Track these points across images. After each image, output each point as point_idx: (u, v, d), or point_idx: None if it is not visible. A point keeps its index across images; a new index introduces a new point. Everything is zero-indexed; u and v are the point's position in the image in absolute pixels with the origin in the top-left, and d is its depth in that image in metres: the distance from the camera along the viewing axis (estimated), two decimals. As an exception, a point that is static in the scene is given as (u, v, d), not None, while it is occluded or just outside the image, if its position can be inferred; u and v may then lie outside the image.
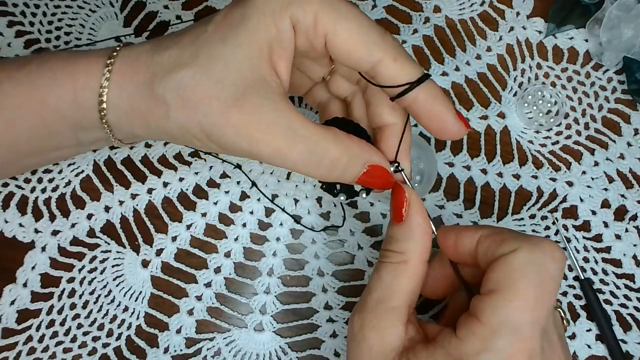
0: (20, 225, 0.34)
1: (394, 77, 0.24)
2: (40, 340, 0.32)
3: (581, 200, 0.38)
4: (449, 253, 0.27)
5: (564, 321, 0.26)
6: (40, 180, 0.35)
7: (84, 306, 0.33)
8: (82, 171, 0.35)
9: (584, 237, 0.37)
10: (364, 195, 0.28)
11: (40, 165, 0.33)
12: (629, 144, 0.39)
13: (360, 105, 0.29)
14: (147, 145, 0.36)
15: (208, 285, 0.34)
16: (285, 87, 0.25)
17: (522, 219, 0.37)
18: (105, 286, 0.34)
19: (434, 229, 0.27)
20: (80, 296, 0.33)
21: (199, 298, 0.34)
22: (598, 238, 0.37)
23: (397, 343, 0.24)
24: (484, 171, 0.38)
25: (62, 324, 0.33)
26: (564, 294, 0.36)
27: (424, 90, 0.24)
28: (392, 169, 0.27)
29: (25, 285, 0.33)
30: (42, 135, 0.27)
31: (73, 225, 0.35)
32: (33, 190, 0.35)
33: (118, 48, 0.26)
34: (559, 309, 0.25)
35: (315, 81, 0.30)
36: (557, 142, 0.39)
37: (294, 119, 0.24)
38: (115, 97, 0.25)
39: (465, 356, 0.21)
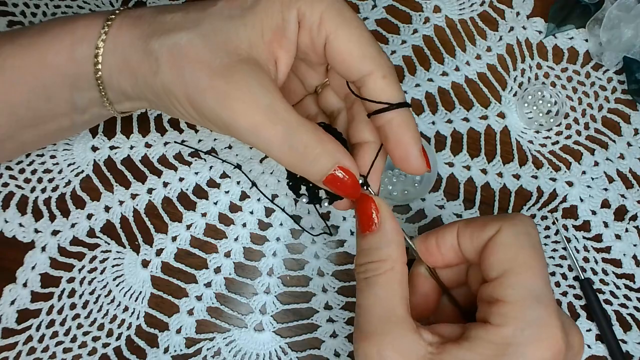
0: (20, 225, 0.34)
1: (378, 93, 0.25)
2: (40, 340, 0.32)
3: (581, 200, 0.38)
4: (434, 258, 0.26)
5: None
6: (40, 180, 0.35)
7: (84, 306, 0.33)
8: (82, 171, 0.35)
9: (584, 237, 0.37)
10: (326, 204, 0.27)
11: (38, 143, 0.32)
12: (629, 144, 0.39)
13: (343, 122, 0.29)
14: (147, 145, 0.36)
15: (208, 285, 0.34)
16: (280, 77, 0.25)
17: (522, 219, 0.37)
18: (105, 286, 0.34)
19: (410, 242, 0.26)
20: (80, 296, 0.33)
21: (199, 298, 0.34)
22: (598, 238, 0.37)
23: (421, 352, 0.23)
24: (484, 171, 0.38)
25: (62, 324, 0.33)
26: (564, 294, 0.36)
27: (400, 116, 0.25)
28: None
29: (25, 285, 0.33)
30: (40, 99, 0.27)
31: (73, 225, 0.35)
32: (33, 190, 0.35)
33: (122, 8, 0.26)
34: None
35: (308, 91, 0.30)
36: (557, 142, 0.39)
37: (278, 101, 0.23)
38: (110, 50, 0.25)
39: (509, 338, 0.22)
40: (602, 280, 0.36)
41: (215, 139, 0.37)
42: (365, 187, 0.26)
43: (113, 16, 0.26)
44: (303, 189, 0.27)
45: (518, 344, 0.22)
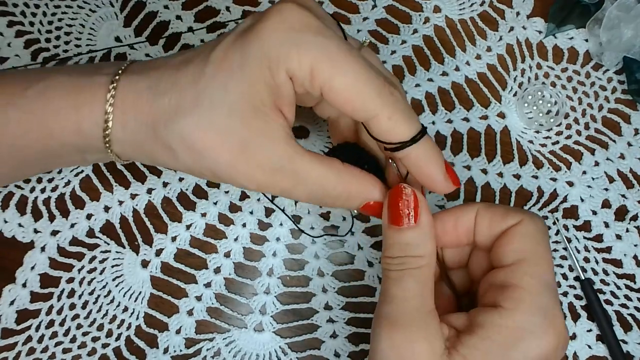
0: (20, 225, 0.34)
1: (387, 134, 0.24)
2: (40, 340, 0.32)
3: (582, 200, 0.38)
4: (448, 237, 0.27)
5: None
6: (39, 180, 0.35)
7: (84, 306, 0.33)
8: (82, 171, 0.35)
9: (584, 237, 0.37)
10: (355, 211, 0.28)
11: (41, 173, 0.34)
12: (629, 144, 0.39)
13: (348, 123, 0.30)
14: (147, 145, 0.36)
15: (208, 285, 0.34)
16: (290, 124, 0.25)
17: (523, 219, 0.37)
18: (104, 286, 0.34)
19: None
20: (80, 296, 0.33)
21: (198, 298, 0.34)
22: (599, 238, 0.37)
23: (442, 345, 0.23)
24: (484, 171, 0.38)
25: (61, 324, 0.33)
26: (565, 294, 0.36)
27: (417, 150, 0.25)
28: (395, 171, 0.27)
29: (24, 285, 0.33)
30: (48, 157, 0.27)
31: (72, 226, 0.34)
32: (32, 190, 0.35)
33: (117, 78, 0.25)
34: None
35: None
36: (558, 142, 0.39)
37: (298, 163, 0.24)
38: (119, 133, 0.25)
39: (522, 322, 0.23)
40: (602, 281, 0.36)
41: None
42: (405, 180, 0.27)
43: (112, 93, 0.25)
44: None
45: (530, 329, 0.22)
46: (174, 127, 0.24)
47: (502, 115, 0.39)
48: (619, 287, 0.36)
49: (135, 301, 0.34)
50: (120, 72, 0.26)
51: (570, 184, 0.38)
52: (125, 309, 0.33)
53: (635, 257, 0.37)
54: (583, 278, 0.35)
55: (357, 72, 0.23)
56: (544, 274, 0.23)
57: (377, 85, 0.24)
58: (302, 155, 0.25)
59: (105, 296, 0.33)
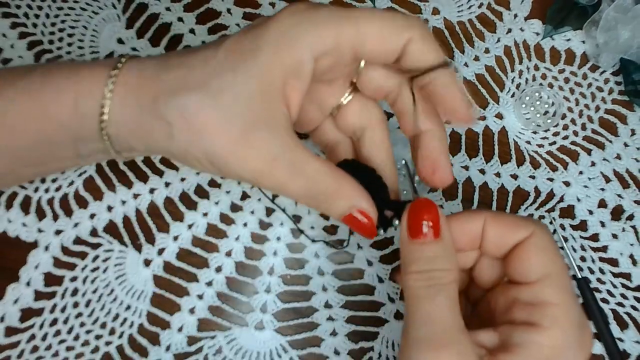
0: (24, 224, 0.34)
1: (421, 56, 0.24)
2: (43, 338, 0.33)
3: (578, 200, 0.38)
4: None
5: None
6: (43, 181, 0.35)
7: (87, 305, 0.33)
8: (85, 171, 0.36)
9: (581, 237, 0.37)
10: (381, 232, 0.27)
11: (38, 175, 0.33)
12: (626, 145, 0.40)
13: (370, 141, 0.29)
14: (149, 146, 0.37)
15: (209, 284, 0.35)
16: (293, 118, 0.25)
17: (520, 218, 0.37)
18: (107, 285, 0.34)
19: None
20: (83, 295, 0.34)
21: (200, 297, 0.34)
22: (595, 237, 0.38)
23: None
24: (482, 171, 0.38)
25: (65, 322, 0.33)
26: (562, 292, 0.36)
27: (444, 76, 0.25)
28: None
29: (28, 284, 0.34)
30: (43, 144, 0.26)
31: (76, 225, 0.35)
32: (36, 190, 0.35)
33: (123, 60, 0.25)
34: None
35: (324, 114, 0.29)
36: (555, 142, 0.39)
37: (297, 154, 0.24)
38: (117, 111, 0.24)
39: (559, 340, 0.22)
40: (599, 280, 0.37)
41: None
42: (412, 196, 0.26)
43: (115, 72, 0.25)
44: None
45: (569, 346, 0.22)
46: (176, 101, 0.23)
47: (500, 116, 0.40)
48: (615, 286, 0.36)
49: (137, 299, 0.34)
50: (125, 59, 0.25)
51: (567, 184, 0.38)
52: (128, 308, 0.34)
53: (631, 256, 0.37)
54: (579, 277, 0.36)
55: (379, 14, 0.24)
56: (569, 287, 0.23)
57: (401, 16, 0.24)
58: (301, 148, 0.24)
59: (108, 295, 0.34)
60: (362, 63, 0.26)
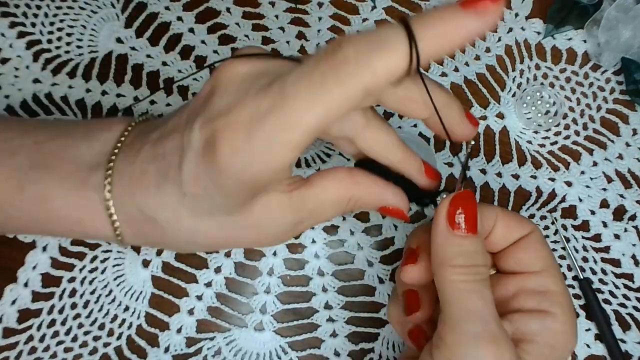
0: (22, 225, 0.34)
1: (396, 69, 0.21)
2: (41, 339, 0.33)
3: (580, 200, 0.38)
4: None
5: None
6: (41, 181, 0.35)
7: (85, 306, 0.33)
8: (83, 171, 0.36)
9: (583, 237, 0.37)
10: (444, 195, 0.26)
11: None
12: (628, 144, 0.39)
13: (363, 140, 0.26)
14: (148, 146, 0.36)
15: (208, 285, 0.34)
16: (290, 172, 0.23)
17: (521, 218, 0.37)
18: (106, 286, 0.34)
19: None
20: (81, 296, 0.33)
21: (199, 298, 0.34)
22: (597, 238, 0.37)
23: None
24: (483, 171, 0.38)
25: (63, 323, 0.33)
26: (563, 293, 0.36)
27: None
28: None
29: (26, 285, 0.33)
30: (51, 233, 0.27)
31: (74, 225, 0.35)
32: (34, 190, 0.35)
33: (109, 183, 0.24)
34: None
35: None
36: (556, 142, 0.39)
37: (309, 203, 0.24)
38: (128, 235, 0.25)
39: (567, 324, 0.24)
40: (601, 280, 0.36)
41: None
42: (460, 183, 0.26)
43: (109, 198, 0.24)
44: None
45: (571, 330, 0.24)
46: (164, 214, 0.23)
47: (501, 115, 0.40)
48: (617, 287, 0.36)
49: (136, 300, 0.34)
50: (109, 171, 0.24)
51: (569, 184, 0.38)
52: (127, 308, 0.34)
53: (633, 256, 0.37)
54: (581, 277, 0.36)
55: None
56: (562, 279, 0.25)
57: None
58: (308, 192, 0.23)
59: (106, 295, 0.34)
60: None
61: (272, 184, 0.22)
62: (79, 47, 0.38)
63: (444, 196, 0.24)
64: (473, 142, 0.27)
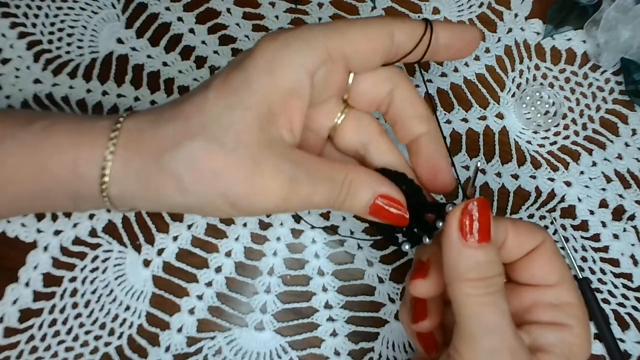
0: (23, 225, 0.34)
1: (413, 32, 0.25)
2: (42, 339, 0.33)
3: (579, 200, 0.38)
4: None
5: None
6: (42, 181, 0.35)
7: (86, 305, 0.33)
8: (84, 171, 0.36)
9: (582, 237, 0.37)
10: (426, 240, 0.25)
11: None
12: (627, 145, 0.40)
13: (377, 152, 0.27)
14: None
15: (209, 284, 0.35)
16: (297, 137, 0.25)
17: (521, 218, 0.37)
18: (107, 285, 0.34)
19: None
20: (82, 295, 0.34)
21: (200, 297, 0.34)
22: (596, 238, 0.37)
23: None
24: (483, 171, 0.38)
25: (64, 323, 0.33)
26: (563, 293, 0.36)
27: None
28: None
29: (27, 284, 0.33)
30: (40, 198, 0.26)
31: (75, 225, 0.35)
32: (35, 190, 0.35)
33: (121, 119, 0.25)
34: None
35: (323, 138, 0.28)
36: (555, 142, 0.39)
37: (309, 166, 0.24)
38: (119, 173, 0.24)
39: (583, 337, 0.24)
40: (600, 280, 0.36)
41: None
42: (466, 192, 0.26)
43: (116, 132, 0.24)
44: (399, 237, 0.27)
45: (586, 342, 0.24)
46: (181, 153, 0.23)
47: (500, 115, 0.40)
48: (616, 287, 0.36)
49: (137, 300, 0.34)
50: (123, 117, 0.25)
51: (568, 184, 0.38)
52: (127, 308, 0.34)
53: (632, 256, 0.37)
54: (580, 277, 0.36)
55: (361, 20, 0.25)
56: (575, 290, 0.25)
57: (379, 17, 0.26)
58: (310, 157, 0.24)
59: (107, 295, 0.34)
60: (351, 79, 0.26)
61: (283, 123, 0.24)
62: (79, 47, 0.38)
63: (450, 208, 0.23)
64: (479, 163, 0.27)
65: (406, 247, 0.26)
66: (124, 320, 0.33)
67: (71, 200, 0.26)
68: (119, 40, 0.39)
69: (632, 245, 0.37)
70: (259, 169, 0.23)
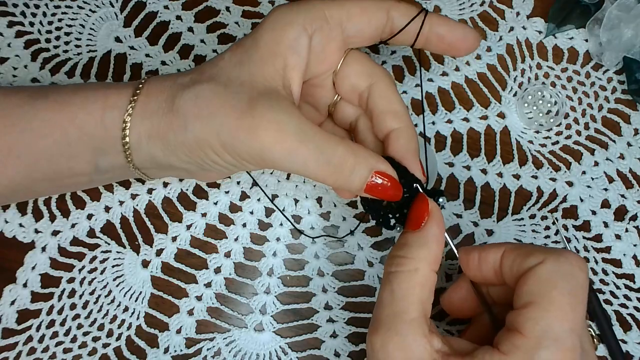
0: (21, 225, 0.34)
1: (404, 18, 0.27)
2: (41, 340, 0.33)
3: (581, 200, 0.38)
4: (472, 272, 0.27)
5: (594, 340, 0.26)
6: (40, 181, 0.35)
7: (84, 306, 0.33)
8: (82, 171, 0.35)
9: (584, 237, 0.37)
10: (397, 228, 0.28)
11: (51, 193, 0.34)
12: (629, 144, 0.39)
13: (364, 126, 0.30)
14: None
15: (208, 285, 0.34)
16: (296, 97, 0.27)
17: (522, 219, 0.37)
18: (105, 286, 0.34)
19: (452, 245, 0.28)
20: (81, 296, 0.33)
21: (199, 298, 0.34)
22: (598, 238, 0.37)
23: (424, 356, 0.23)
24: (484, 171, 0.38)
25: (62, 324, 0.33)
26: (564, 294, 0.36)
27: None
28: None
29: (25, 285, 0.33)
30: (63, 155, 0.27)
31: (73, 226, 0.35)
32: (33, 190, 0.35)
33: (144, 80, 0.28)
34: (589, 329, 0.25)
35: (322, 114, 0.31)
36: (557, 142, 0.39)
37: (303, 121, 0.25)
38: (139, 117, 0.26)
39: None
40: (602, 281, 0.36)
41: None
42: (434, 196, 0.27)
43: (141, 85, 0.27)
44: (392, 220, 0.28)
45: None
46: (188, 93, 0.25)
47: (502, 115, 0.39)
48: (618, 287, 0.36)
49: (135, 301, 0.34)
50: (146, 78, 0.28)
51: (570, 184, 0.38)
52: (126, 309, 0.33)
53: (634, 257, 0.37)
54: (582, 278, 0.36)
55: None
56: (552, 323, 0.22)
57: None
58: (308, 120, 0.25)
59: (105, 296, 0.33)
60: (339, 65, 0.29)
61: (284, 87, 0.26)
62: (77, 46, 0.38)
63: (441, 200, 0.27)
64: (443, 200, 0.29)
65: (397, 228, 0.28)
66: (123, 321, 0.33)
67: (92, 154, 0.27)
68: (117, 39, 0.39)
69: (634, 245, 0.37)
70: (250, 111, 0.24)
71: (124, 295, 0.34)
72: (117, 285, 0.34)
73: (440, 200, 0.27)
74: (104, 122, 0.27)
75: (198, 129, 0.25)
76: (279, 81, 0.26)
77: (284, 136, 0.24)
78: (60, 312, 0.33)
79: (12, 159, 0.27)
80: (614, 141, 0.39)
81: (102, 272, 0.34)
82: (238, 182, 0.36)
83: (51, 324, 0.33)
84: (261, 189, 0.36)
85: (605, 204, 0.38)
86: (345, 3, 0.27)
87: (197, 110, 0.25)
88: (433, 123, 0.39)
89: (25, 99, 0.27)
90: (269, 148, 0.24)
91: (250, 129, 0.24)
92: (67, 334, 0.33)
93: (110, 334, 0.33)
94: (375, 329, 0.24)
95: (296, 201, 0.36)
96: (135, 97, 0.26)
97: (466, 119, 0.39)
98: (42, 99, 0.27)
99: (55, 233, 0.34)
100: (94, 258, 0.34)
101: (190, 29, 0.40)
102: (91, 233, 0.35)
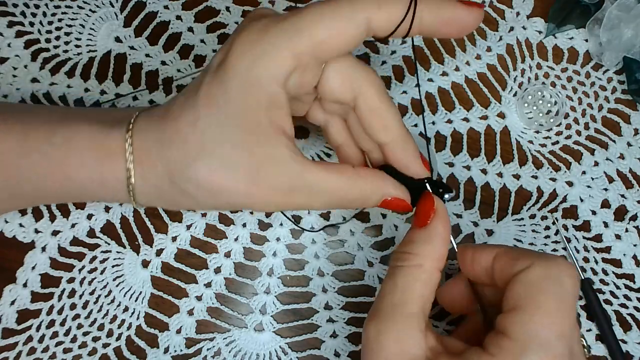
0: (21, 225, 0.34)
1: (389, 22, 0.24)
2: (41, 340, 0.33)
3: (581, 200, 0.38)
4: (467, 271, 0.27)
5: (585, 349, 0.26)
6: (40, 181, 0.35)
7: (84, 306, 0.33)
8: (82, 171, 0.35)
9: (584, 237, 0.37)
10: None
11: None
12: (629, 144, 0.39)
13: (356, 122, 0.29)
14: (147, 146, 0.36)
15: (208, 285, 0.34)
16: (291, 136, 0.25)
17: (522, 219, 0.37)
18: (105, 286, 0.34)
19: (454, 245, 0.28)
20: (81, 296, 0.33)
21: (199, 298, 0.34)
22: (598, 238, 0.37)
23: (418, 352, 0.23)
24: (484, 171, 0.38)
25: (62, 324, 0.33)
26: (564, 294, 0.36)
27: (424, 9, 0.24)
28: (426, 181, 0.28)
29: (25, 285, 0.33)
30: (65, 198, 0.30)
31: (73, 226, 0.35)
32: (33, 190, 0.35)
33: (130, 131, 0.26)
34: (582, 339, 0.25)
35: (309, 102, 0.29)
36: (557, 142, 0.39)
37: (309, 178, 0.25)
38: (140, 185, 0.27)
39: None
40: (602, 280, 0.36)
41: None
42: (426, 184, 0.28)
43: (129, 142, 0.26)
44: None
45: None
46: (188, 175, 0.25)
47: (502, 115, 0.39)
48: (618, 287, 0.36)
49: (135, 301, 0.34)
50: (131, 124, 0.27)
51: (570, 184, 0.38)
52: (126, 309, 0.33)
53: (634, 257, 0.37)
54: (582, 278, 0.36)
55: (328, 8, 0.23)
56: (539, 328, 0.22)
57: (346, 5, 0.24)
58: (311, 169, 0.25)
59: (105, 296, 0.33)
60: (317, 82, 0.26)
61: (276, 120, 0.25)
62: (77, 46, 0.38)
63: (447, 196, 0.28)
64: (453, 194, 0.29)
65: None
66: (123, 321, 0.33)
67: (96, 199, 0.30)
68: (117, 39, 0.39)
69: (635, 245, 0.37)
70: (256, 183, 0.25)
71: (124, 295, 0.34)
72: (117, 285, 0.34)
73: (446, 196, 0.28)
74: (105, 186, 0.27)
75: (210, 204, 0.26)
76: (269, 133, 0.25)
77: (294, 199, 0.25)
78: (60, 312, 0.33)
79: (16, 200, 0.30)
80: (614, 141, 0.39)
81: (102, 272, 0.34)
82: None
83: (51, 324, 0.33)
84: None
85: (605, 204, 0.38)
86: (314, 30, 0.23)
87: (203, 192, 0.25)
88: (433, 123, 0.39)
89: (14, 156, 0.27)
90: (284, 208, 0.27)
91: (262, 200, 0.25)
92: (67, 334, 0.33)
93: (110, 334, 0.33)
94: (372, 317, 0.24)
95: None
96: (131, 167, 0.26)
97: (466, 119, 0.39)
98: (36, 154, 0.27)
99: (55, 233, 0.34)
100: (94, 258, 0.34)
101: (190, 29, 0.40)
102: (91, 233, 0.35)
